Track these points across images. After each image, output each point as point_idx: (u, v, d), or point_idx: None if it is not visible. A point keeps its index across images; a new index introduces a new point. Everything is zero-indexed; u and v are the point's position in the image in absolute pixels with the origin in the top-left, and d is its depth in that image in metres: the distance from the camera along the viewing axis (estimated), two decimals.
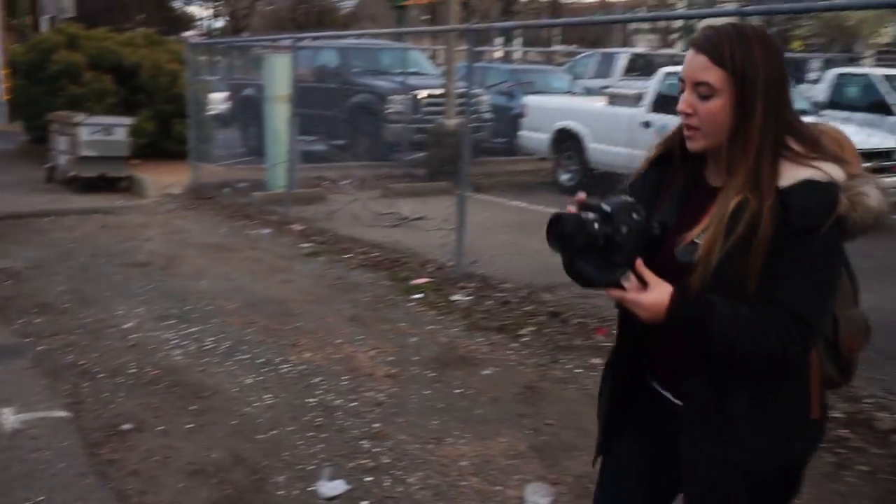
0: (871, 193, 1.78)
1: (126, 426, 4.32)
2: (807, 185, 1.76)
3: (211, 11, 45.57)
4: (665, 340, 1.97)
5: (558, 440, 4.22)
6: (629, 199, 1.87)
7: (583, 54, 19.95)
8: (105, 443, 4.14)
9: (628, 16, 22.67)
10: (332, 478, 3.79)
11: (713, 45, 1.81)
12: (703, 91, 1.81)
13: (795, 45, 39.96)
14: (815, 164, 1.78)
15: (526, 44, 35.12)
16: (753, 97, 1.78)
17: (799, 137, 1.81)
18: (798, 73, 16.00)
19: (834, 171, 1.77)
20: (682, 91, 1.86)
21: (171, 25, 37.66)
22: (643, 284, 1.81)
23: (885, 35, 44.76)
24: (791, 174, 1.77)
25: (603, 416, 2.18)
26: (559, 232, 1.79)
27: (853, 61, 32.16)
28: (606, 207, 1.81)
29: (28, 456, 3.98)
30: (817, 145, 1.82)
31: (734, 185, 1.80)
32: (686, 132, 1.87)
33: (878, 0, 7.05)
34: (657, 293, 1.80)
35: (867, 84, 12.17)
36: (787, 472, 1.96)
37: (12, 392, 4.72)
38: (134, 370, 5.09)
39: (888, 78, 11.70)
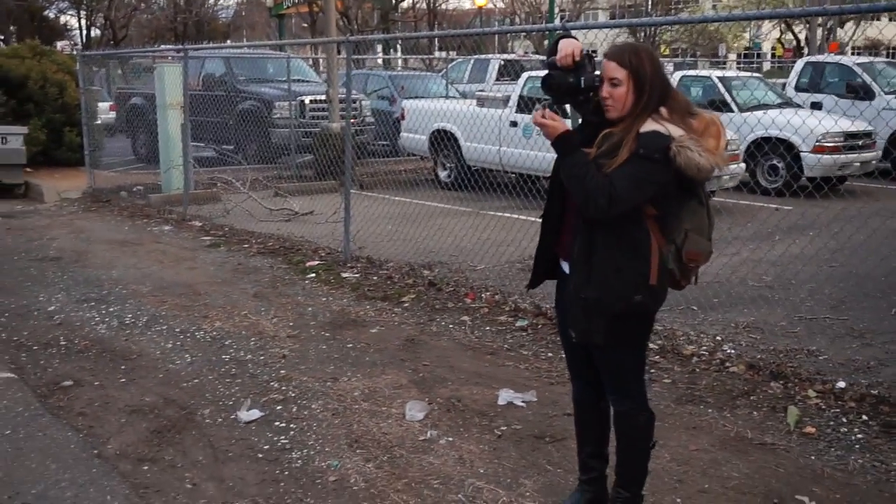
0: (696, 150, 2.84)
1: (67, 383, 5.08)
2: (653, 132, 2.91)
3: (85, 22, 44.85)
4: (570, 225, 3.11)
5: (432, 375, 5.20)
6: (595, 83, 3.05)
7: (457, 60, 21.07)
8: (51, 395, 4.91)
9: (495, 28, 24.06)
10: (250, 408, 4.67)
11: (619, 56, 2.97)
12: (615, 82, 2.95)
13: (661, 49, 42.37)
14: (665, 124, 2.93)
15: (406, 51, 36.14)
16: (643, 86, 2.93)
17: (670, 109, 2.95)
18: None
19: (675, 131, 2.89)
20: (602, 84, 2.99)
21: (45, 36, 37.12)
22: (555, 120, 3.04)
23: (744, 39, 47.86)
24: (649, 126, 2.92)
25: (533, 268, 3.39)
26: (552, 72, 3.06)
27: (717, 64, 34.57)
28: (581, 82, 3.03)
29: None
30: (678, 117, 2.94)
31: (615, 128, 2.97)
32: (605, 108, 3.00)
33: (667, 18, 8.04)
34: (559, 125, 3.02)
35: (708, 84, 13.69)
36: (634, 317, 3.08)
37: None
38: (64, 343, 5.82)
39: (722, 79, 13.22)
